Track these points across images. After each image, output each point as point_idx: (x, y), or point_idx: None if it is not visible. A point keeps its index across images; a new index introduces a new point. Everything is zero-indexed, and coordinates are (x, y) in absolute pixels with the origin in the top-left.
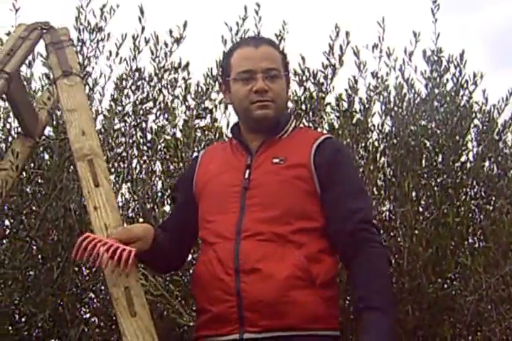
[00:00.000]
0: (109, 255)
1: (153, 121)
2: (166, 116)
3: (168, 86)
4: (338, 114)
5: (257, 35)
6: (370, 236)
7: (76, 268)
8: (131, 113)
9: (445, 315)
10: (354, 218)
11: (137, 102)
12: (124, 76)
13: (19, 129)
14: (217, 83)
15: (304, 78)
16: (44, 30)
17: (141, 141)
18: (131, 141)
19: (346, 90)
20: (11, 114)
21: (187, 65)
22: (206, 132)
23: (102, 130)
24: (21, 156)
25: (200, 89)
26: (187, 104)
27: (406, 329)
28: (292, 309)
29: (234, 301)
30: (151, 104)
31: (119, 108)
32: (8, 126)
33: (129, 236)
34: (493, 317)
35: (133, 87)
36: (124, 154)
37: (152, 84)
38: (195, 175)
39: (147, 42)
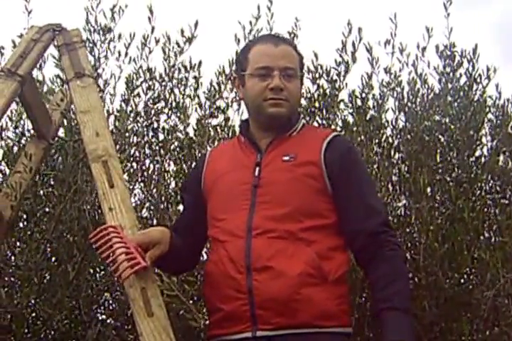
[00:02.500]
0: (124, 259)
1: (165, 120)
2: (178, 115)
3: (180, 85)
4: (351, 111)
5: (270, 31)
6: (390, 239)
7: (91, 270)
8: (142, 113)
9: (462, 311)
10: (375, 219)
11: (149, 102)
12: (135, 76)
13: (32, 131)
14: (229, 81)
15: (317, 75)
16: (56, 32)
17: (154, 140)
18: (143, 141)
19: (363, 86)
20: (24, 116)
21: (199, 64)
22: (219, 131)
23: (115, 130)
24: (35, 158)
25: (212, 88)
26: (197, 101)
27: (423, 325)
28: (304, 306)
29: (246, 299)
30: (162, 103)
31: (131, 108)
32: (21, 128)
33: (148, 242)
34: (510, 312)
35: (144, 87)
36: (137, 154)
37: (163, 83)
38: (203, 173)
39: (157, 41)
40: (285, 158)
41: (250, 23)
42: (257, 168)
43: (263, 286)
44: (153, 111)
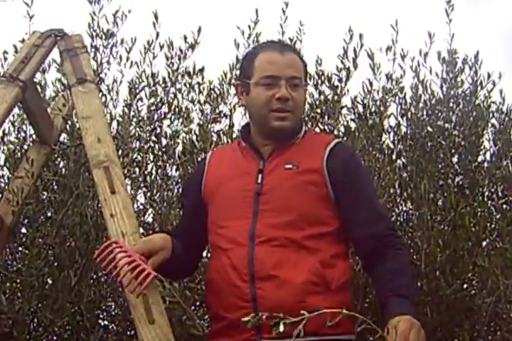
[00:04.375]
0: (129, 270)
1: (168, 126)
2: (181, 120)
3: (183, 90)
4: (353, 117)
5: (282, 34)
6: (396, 240)
7: (94, 276)
8: (145, 118)
9: (463, 316)
10: (383, 224)
11: (152, 107)
12: (138, 81)
13: (34, 136)
14: (231, 86)
15: (319, 82)
16: (58, 38)
17: (157, 146)
18: (146, 146)
19: (364, 92)
20: (26, 122)
21: (202, 69)
22: (222, 136)
23: (117, 135)
24: (37, 164)
25: (215, 94)
26: (199, 106)
27: (425, 331)
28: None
29: (250, 308)
30: (165, 109)
31: (133, 113)
32: (23, 133)
33: (151, 250)
34: (511, 318)
35: (147, 92)
36: (140, 159)
37: (167, 89)
38: (203, 178)
39: (162, 47)
40: (288, 166)
41: (249, 27)
42: (260, 176)
43: (268, 295)
44: (156, 117)
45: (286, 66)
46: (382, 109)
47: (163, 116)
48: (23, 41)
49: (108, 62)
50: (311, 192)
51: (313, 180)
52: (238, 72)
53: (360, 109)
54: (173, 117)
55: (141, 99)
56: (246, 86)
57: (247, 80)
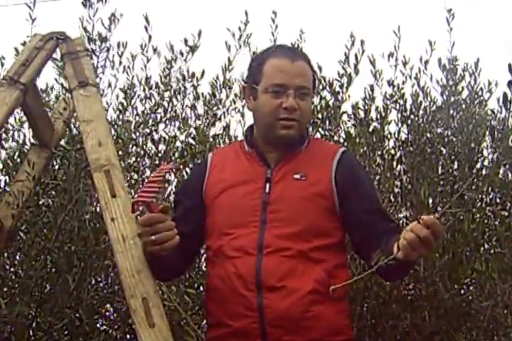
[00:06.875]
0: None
1: (163, 129)
2: (177, 124)
3: (178, 94)
4: (354, 123)
5: (274, 42)
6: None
7: (92, 280)
8: (142, 123)
9: (461, 321)
10: (387, 220)
11: (147, 112)
12: (131, 85)
13: (33, 140)
14: (225, 89)
15: (320, 87)
16: (60, 40)
17: (153, 150)
18: (143, 151)
19: (365, 98)
20: (27, 125)
21: (202, 74)
22: (220, 140)
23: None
24: (37, 167)
25: (210, 97)
26: (197, 112)
27: (423, 335)
28: (315, 323)
29: (256, 317)
30: (161, 113)
31: (129, 118)
32: (23, 136)
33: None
34: (508, 322)
35: (142, 96)
36: (136, 164)
37: (161, 93)
38: (205, 180)
39: (155, 50)
40: (296, 176)
41: (239, 29)
42: (267, 184)
43: (275, 304)
44: (151, 121)
45: (296, 75)
46: (383, 115)
47: (159, 120)
48: (24, 44)
49: (103, 66)
50: (318, 204)
51: (322, 192)
52: (246, 74)
53: (362, 114)
54: (168, 121)
55: (135, 107)
56: (254, 91)
57: (255, 85)
